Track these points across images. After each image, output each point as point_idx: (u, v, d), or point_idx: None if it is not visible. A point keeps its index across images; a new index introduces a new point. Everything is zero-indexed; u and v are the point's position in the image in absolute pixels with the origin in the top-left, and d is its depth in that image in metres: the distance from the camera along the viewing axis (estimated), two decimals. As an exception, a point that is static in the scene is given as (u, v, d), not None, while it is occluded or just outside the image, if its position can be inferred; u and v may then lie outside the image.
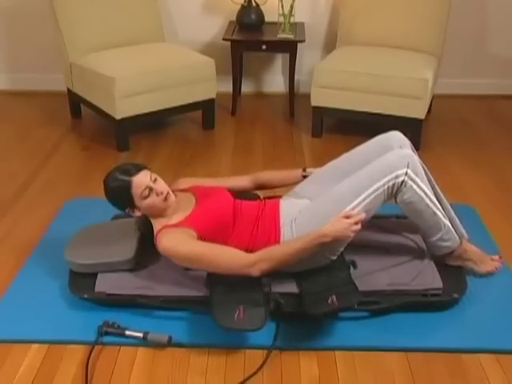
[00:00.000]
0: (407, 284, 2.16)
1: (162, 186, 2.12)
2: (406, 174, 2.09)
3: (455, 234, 2.22)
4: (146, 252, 2.26)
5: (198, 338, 2.01)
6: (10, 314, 2.10)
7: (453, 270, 2.26)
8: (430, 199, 2.15)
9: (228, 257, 2.03)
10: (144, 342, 1.97)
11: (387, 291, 2.13)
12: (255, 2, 3.94)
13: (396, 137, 2.31)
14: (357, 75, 3.39)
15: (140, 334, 1.98)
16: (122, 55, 3.52)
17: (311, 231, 2.08)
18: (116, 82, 3.22)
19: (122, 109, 3.31)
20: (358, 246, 2.26)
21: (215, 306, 1.98)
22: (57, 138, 3.61)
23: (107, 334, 1.99)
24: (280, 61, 4.34)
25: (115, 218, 2.53)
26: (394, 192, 2.12)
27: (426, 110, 3.41)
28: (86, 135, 3.66)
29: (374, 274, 2.21)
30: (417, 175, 2.12)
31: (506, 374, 1.88)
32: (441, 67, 3.87)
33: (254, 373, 1.86)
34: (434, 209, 2.16)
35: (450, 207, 2.31)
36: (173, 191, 2.19)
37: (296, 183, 2.39)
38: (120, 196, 2.12)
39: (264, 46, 3.82)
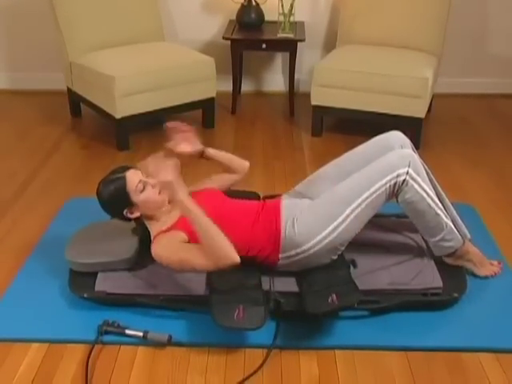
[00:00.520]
0: (407, 283, 2.16)
1: (154, 180, 2.14)
2: (408, 173, 2.09)
3: (458, 234, 2.22)
4: (146, 251, 2.26)
5: (198, 337, 2.01)
6: (10, 313, 2.10)
7: (453, 269, 2.26)
8: (432, 199, 2.15)
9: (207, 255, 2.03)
10: (144, 341, 1.97)
11: (387, 290, 2.13)
12: (255, 1, 3.94)
13: (396, 136, 2.31)
14: (357, 74, 3.39)
15: (140, 333, 1.98)
16: (122, 54, 3.51)
17: (312, 231, 2.09)
18: (116, 81, 3.22)
19: (122, 108, 3.31)
20: (358, 245, 2.27)
21: (215, 305, 1.98)
22: (57, 137, 3.61)
23: (107, 333, 1.99)
24: (280, 60, 4.34)
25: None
26: (396, 191, 2.12)
27: (426, 109, 3.40)
28: (86, 134, 3.66)
29: (374, 273, 2.21)
30: (418, 175, 2.12)
31: (505, 373, 1.89)
32: (441, 66, 3.87)
33: (254, 372, 1.86)
34: (436, 209, 2.15)
35: (452, 207, 2.31)
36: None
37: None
38: (116, 196, 2.12)
39: (264, 45, 3.82)
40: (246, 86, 4.40)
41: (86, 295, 2.11)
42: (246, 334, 2.01)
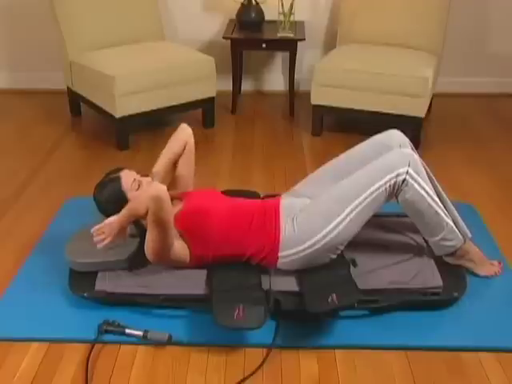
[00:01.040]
0: (407, 282, 2.16)
1: (148, 178, 2.22)
2: (407, 172, 2.09)
3: (458, 234, 2.21)
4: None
5: (198, 337, 2.01)
6: (10, 313, 2.10)
7: (453, 268, 2.26)
8: (432, 198, 2.14)
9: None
10: (144, 340, 1.97)
11: (387, 290, 2.13)
12: (255, 1, 3.94)
13: (395, 135, 2.31)
14: (357, 74, 3.39)
15: (140, 333, 1.98)
16: (122, 53, 3.51)
17: (311, 230, 2.09)
18: (116, 80, 3.22)
19: (122, 107, 3.31)
20: (358, 244, 2.27)
21: (215, 305, 1.99)
22: (57, 136, 3.61)
23: (107, 332, 1.99)
24: (280, 59, 4.34)
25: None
26: (395, 191, 2.12)
27: (426, 109, 3.40)
28: (86, 134, 3.66)
29: (375, 273, 2.21)
30: (418, 174, 2.12)
31: (505, 373, 1.89)
32: (441, 65, 3.87)
33: (254, 371, 1.86)
34: (436, 208, 2.15)
35: (452, 206, 2.30)
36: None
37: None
38: (113, 196, 2.15)
39: (264, 45, 3.81)
40: (246, 86, 4.40)
41: (86, 295, 2.11)
42: (245, 334, 2.01)
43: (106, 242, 2.12)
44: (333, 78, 3.45)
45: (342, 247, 2.16)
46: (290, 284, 2.14)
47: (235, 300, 2.00)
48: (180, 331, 2.02)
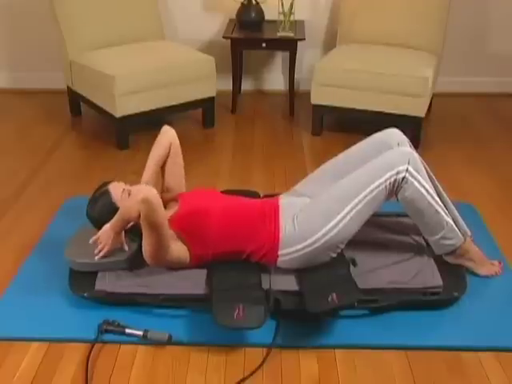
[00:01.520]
0: (407, 282, 2.16)
1: (137, 186, 2.21)
2: (407, 170, 2.09)
3: (458, 232, 2.21)
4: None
5: (198, 336, 2.01)
6: (10, 312, 2.10)
7: (453, 268, 2.26)
8: (432, 197, 2.15)
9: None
10: (144, 340, 1.97)
11: (387, 289, 2.13)
12: (255, 0, 3.94)
13: (394, 134, 2.32)
14: (357, 73, 3.39)
15: (140, 333, 1.98)
16: (122, 53, 3.51)
17: (311, 228, 2.09)
18: (116, 80, 3.22)
19: (122, 107, 3.31)
20: (358, 243, 2.27)
21: (215, 305, 1.99)
22: (57, 136, 3.61)
23: (107, 332, 1.99)
24: (280, 59, 4.34)
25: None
26: (395, 189, 2.12)
27: (426, 108, 3.40)
28: (86, 133, 3.66)
29: (374, 272, 2.21)
30: (418, 172, 2.12)
31: (505, 372, 1.89)
32: (441, 65, 3.87)
33: (254, 371, 1.86)
34: (436, 206, 2.15)
35: (452, 205, 2.31)
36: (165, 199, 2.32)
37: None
38: (106, 209, 2.17)
39: (264, 44, 3.81)
40: (246, 85, 4.40)
41: (86, 294, 2.11)
42: (245, 333, 2.01)
43: (104, 251, 2.15)
44: (333, 78, 3.45)
45: (342, 246, 2.17)
46: (290, 283, 2.14)
47: (235, 300, 2.00)
48: (180, 331, 2.02)
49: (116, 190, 2.20)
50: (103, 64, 3.36)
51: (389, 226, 2.51)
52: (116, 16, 3.68)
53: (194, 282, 2.16)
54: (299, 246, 2.12)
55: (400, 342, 1.98)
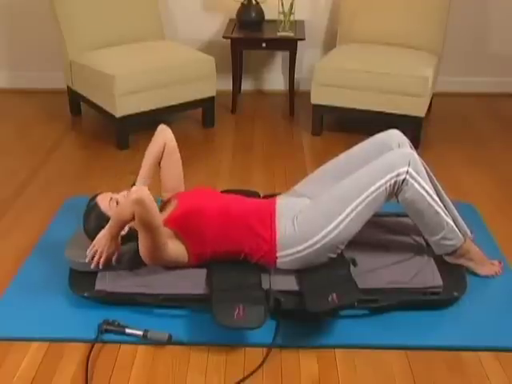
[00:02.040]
0: (407, 282, 2.16)
1: (123, 192, 2.24)
2: (408, 172, 2.09)
3: (458, 233, 2.21)
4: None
5: (198, 336, 2.01)
6: (10, 312, 2.10)
7: (453, 268, 2.26)
8: (432, 198, 2.15)
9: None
10: (144, 340, 1.97)
11: (387, 289, 2.13)
12: (255, 0, 3.94)
13: (394, 135, 2.32)
14: (357, 73, 3.39)
15: (140, 332, 1.98)
16: (122, 53, 3.51)
17: (312, 230, 2.09)
18: (116, 79, 3.22)
19: (122, 107, 3.31)
20: (358, 243, 2.26)
21: (215, 305, 1.98)
22: (57, 136, 3.61)
23: (107, 331, 1.99)
24: (280, 59, 4.34)
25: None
26: (396, 190, 2.12)
27: (426, 108, 3.40)
28: (86, 133, 3.66)
29: (374, 272, 2.21)
30: (418, 174, 2.12)
31: (505, 372, 1.89)
32: (441, 65, 3.86)
33: (254, 371, 1.86)
34: (436, 207, 2.15)
35: (452, 206, 2.31)
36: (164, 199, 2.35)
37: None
38: (98, 221, 2.18)
39: (264, 44, 3.81)
40: (246, 85, 4.40)
41: (86, 294, 2.11)
42: (245, 333, 2.01)
43: (102, 259, 2.13)
44: (333, 78, 3.45)
45: (342, 247, 2.16)
46: (290, 283, 2.14)
47: (235, 300, 2.00)
48: (180, 331, 2.02)
49: (103, 201, 2.21)
50: (103, 64, 3.36)
51: (389, 226, 2.51)
52: (116, 16, 3.68)
53: (194, 282, 2.16)
54: (300, 248, 2.12)
55: (400, 342, 1.98)
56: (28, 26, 4.19)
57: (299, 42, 3.79)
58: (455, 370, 1.89)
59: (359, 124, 3.70)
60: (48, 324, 2.05)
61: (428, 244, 2.30)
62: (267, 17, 4.01)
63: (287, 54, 3.88)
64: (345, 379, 1.86)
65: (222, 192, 2.46)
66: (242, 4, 3.95)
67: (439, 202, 2.17)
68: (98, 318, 2.04)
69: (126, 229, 2.19)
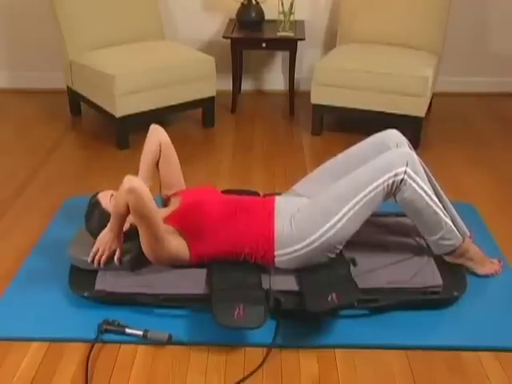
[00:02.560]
0: (407, 282, 2.16)
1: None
2: (406, 172, 2.09)
3: (457, 233, 2.21)
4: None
5: (198, 336, 2.01)
6: (10, 313, 2.10)
7: (453, 267, 2.26)
8: (430, 198, 2.14)
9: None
10: (144, 339, 1.97)
11: (387, 289, 2.13)
12: (255, 0, 3.94)
13: (393, 135, 2.32)
14: (357, 73, 3.39)
15: (140, 332, 1.98)
16: (122, 53, 3.51)
17: (309, 229, 2.10)
18: (116, 79, 3.22)
19: (122, 107, 3.31)
20: (357, 243, 2.27)
21: (215, 304, 1.99)
22: (57, 135, 3.62)
23: (107, 331, 1.99)
24: (280, 59, 4.34)
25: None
26: (394, 190, 2.12)
27: (426, 108, 3.40)
28: (86, 133, 3.66)
29: (374, 272, 2.21)
30: (416, 174, 2.12)
31: (505, 372, 1.89)
32: (441, 65, 3.87)
33: (254, 371, 1.86)
34: (435, 207, 2.15)
35: (451, 205, 2.31)
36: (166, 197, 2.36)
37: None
38: (101, 218, 2.19)
39: (264, 44, 3.81)
40: (246, 85, 4.40)
41: (86, 294, 2.11)
42: (246, 333, 2.01)
43: (103, 257, 2.15)
44: (333, 78, 3.45)
45: (340, 246, 2.16)
46: (290, 283, 2.14)
47: (235, 299, 2.00)
48: (180, 331, 2.02)
49: (104, 198, 2.22)
50: (103, 64, 3.36)
51: (388, 225, 2.51)
52: (116, 16, 3.68)
53: (194, 282, 2.16)
54: (297, 246, 2.12)
55: (400, 342, 1.98)
56: (28, 25, 4.19)
57: (299, 42, 3.79)
58: (455, 369, 1.89)
59: (359, 124, 3.70)
60: (48, 324, 2.05)
61: (428, 244, 2.30)
62: (267, 17, 4.01)
63: (287, 53, 3.89)
64: (345, 379, 1.86)
65: (222, 192, 2.46)
66: (242, 4, 3.95)
67: (438, 202, 2.17)
68: (98, 317, 2.04)
69: (127, 225, 2.18)
